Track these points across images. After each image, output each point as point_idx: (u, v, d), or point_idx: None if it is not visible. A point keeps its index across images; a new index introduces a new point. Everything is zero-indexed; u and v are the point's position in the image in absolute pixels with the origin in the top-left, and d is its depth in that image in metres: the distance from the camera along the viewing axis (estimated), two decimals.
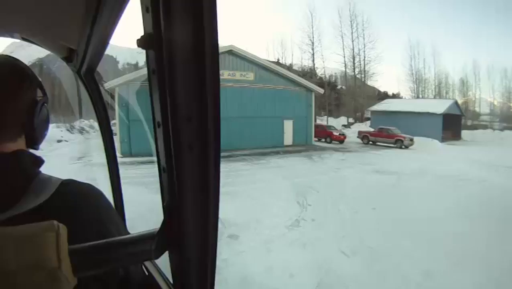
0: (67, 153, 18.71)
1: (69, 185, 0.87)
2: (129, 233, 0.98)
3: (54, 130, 23.92)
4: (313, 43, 50.30)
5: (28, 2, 1.25)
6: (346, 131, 33.57)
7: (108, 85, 18.21)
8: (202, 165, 0.65)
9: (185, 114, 0.62)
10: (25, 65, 0.96)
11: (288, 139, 26.16)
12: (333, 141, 28.80)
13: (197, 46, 0.57)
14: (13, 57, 0.96)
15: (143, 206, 8.58)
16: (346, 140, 29.39)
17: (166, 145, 0.70)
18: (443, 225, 7.93)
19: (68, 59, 1.74)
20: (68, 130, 27.53)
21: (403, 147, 26.56)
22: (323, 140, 29.13)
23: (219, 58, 0.59)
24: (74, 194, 0.86)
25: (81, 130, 29.20)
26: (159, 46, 0.62)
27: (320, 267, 6.14)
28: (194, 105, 0.62)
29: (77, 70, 1.76)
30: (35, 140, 0.95)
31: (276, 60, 50.76)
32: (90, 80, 1.81)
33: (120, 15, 1.08)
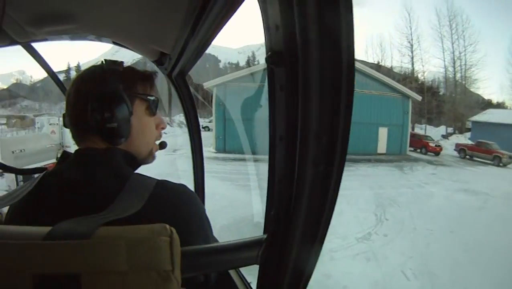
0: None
1: (164, 186, 0.85)
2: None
3: None
4: (412, 45, 46.76)
5: (121, 9, 1.31)
6: (443, 142, 30.58)
7: (206, 84, 19.60)
8: (325, 182, 0.66)
9: (315, 132, 0.62)
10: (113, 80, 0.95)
11: (381, 147, 24.56)
12: (428, 153, 26.43)
13: (334, 64, 0.57)
14: (102, 67, 0.96)
15: (225, 200, 9.17)
16: (442, 152, 26.71)
17: (287, 159, 0.70)
18: None
19: (158, 62, 1.78)
20: (168, 123, 28.93)
21: (501, 164, 23.01)
22: (418, 150, 26.92)
23: (354, 76, 0.58)
24: (170, 196, 0.85)
25: (180, 124, 30.73)
26: (291, 64, 0.62)
27: (376, 284, 6.08)
28: (326, 124, 0.61)
29: (168, 73, 1.79)
30: (125, 140, 0.96)
31: (377, 63, 48.71)
32: (181, 83, 1.85)
33: (222, 26, 1.10)
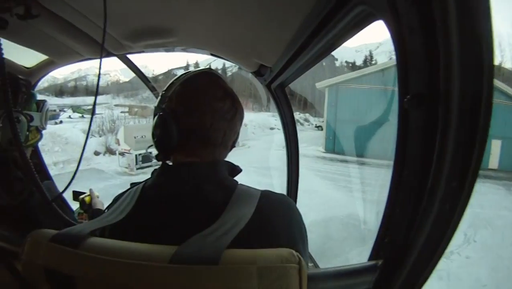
0: (276, 140, 19.52)
1: (268, 197, 0.84)
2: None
3: (269, 119, 26.48)
4: None
5: (224, 25, 1.33)
6: None
7: (319, 85, 19.69)
8: (448, 215, 0.65)
9: (447, 176, 0.61)
10: (227, 83, 0.96)
11: (493, 162, 21.38)
12: None
13: (473, 104, 0.54)
14: (216, 74, 0.97)
15: (322, 198, 9.10)
16: None
17: (413, 190, 0.69)
18: None
19: (257, 73, 1.79)
20: None
21: None
22: None
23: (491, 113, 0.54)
24: (275, 206, 0.83)
25: (296, 122, 30.66)
26: (431, 106, 0.60)
27: None
28: (457, 168, 0.60)
29: (267, 84, 1.81)
30: (228, 151, 0.98)
31: (498, 64, 41.27)
32: (280, 95, 1.86)
33: (336, 47, 1.10)
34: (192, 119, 0.88)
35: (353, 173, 12.02)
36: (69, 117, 25.55)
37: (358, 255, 6.13)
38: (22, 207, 1.20)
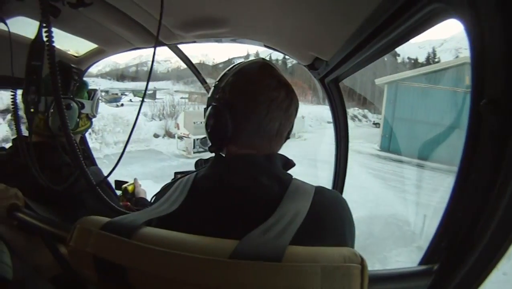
0: (331, 134, 19.73)
1: (323, 192, 0.83)
2: None
3: (327, 112, 25.99)
4: None
5: (281, 16, 1.30)
6: None
7: (378, 81, 18.99)
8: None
9: None
10: (281, 73, 0.94)
11: None
12: None
13: None
14: (269, 64, 0.95)
15: (370, 195, 8.95)
16: None
17: (477, 195, 0.68)
18: None
19: (311, 66, 1.75)
20: None
21: None
22: None
23: None
24: (330, 202, 0.82)
25: (353, 118, 30.25)
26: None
27: None
28: None
29: (321, 78, 1.76)
30: (283, 142, 0.96)
31: None
32: (334, 89, 1.80)
33: (399, 45, 1.06)
34: (247, 110, 0.86)
35: (405, 174, 11.62)
36: (130, 100, 26.96)
37: (396, 255, 6.03)
38: (68, 192, 1.20)
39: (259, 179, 0.81)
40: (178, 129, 15.98)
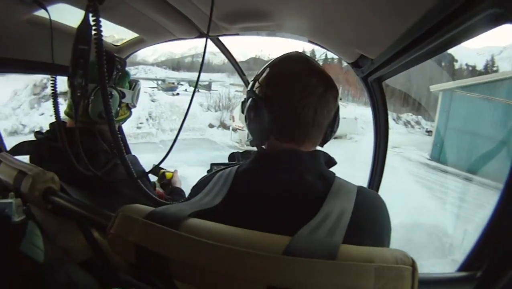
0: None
1: (365, 192, 0.83)
2: None
3: None
4: None
5: (327, 12, 1.27)
6: None
7: (433, 88, 18.27)
8: None
9: None
10: (317, 63, 0.93)
11: None
12: None
13: None
14: (304, 55, 0.95)
15: (414, 202, 8.72)
16: None
17: None
18: None
19: (355, 64, 1.70)
20: (393, 119, 27.50)
21: None
22: None
23: None
24: (372, 203, 0.83)
25: (406, 123, 28.97)
26: None
27: None
28: None
29: (364, 76, 1.72)
30: (323, 135, 0.94)
31: None
32: (377, 88, 1.76)
33: (453, 45, 1.03)
34: (280, 98, 0.87)
35: (452, 186, 11.21)
36: (186, 90, 27.31)
37: (432, 265, 5.83)
38: (104, 179, 1.20)
39: (303, 176, 0.81)
40: (233, 121, 16.20)
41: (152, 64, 44.30)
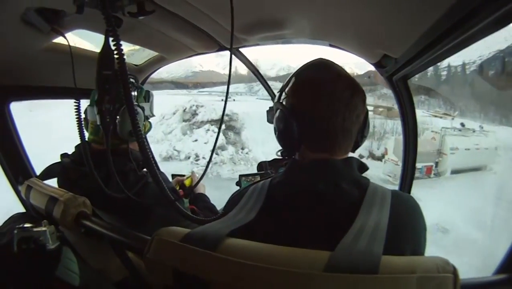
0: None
1: (400, 196, 0.80)
2: None
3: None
4: None
5: (347, 14, 1.25)
6: None
7: None
8: None
9: None
10: (342, 68, 0.91)
11: None
12: None
13: None
14: (328, 61, 0.92)
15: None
16: None
17: None
18: None
19: (378, 64, 1.66)
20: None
21: None
22: None
23: None
24: (407, 207, 0.80)
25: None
26: None
27: None
28: None
29: (388, 76, 1.68)
30: (354, 141, 0.91)
31: None
32: (402, 87, 1.71)
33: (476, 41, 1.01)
34: (307, 106, 0.84)
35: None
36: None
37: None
38: (136, 200, 1.16)
39: (339, 184, 0.79)
40: (386, 154, 15.65)
41: (275, 79, 42.17)
